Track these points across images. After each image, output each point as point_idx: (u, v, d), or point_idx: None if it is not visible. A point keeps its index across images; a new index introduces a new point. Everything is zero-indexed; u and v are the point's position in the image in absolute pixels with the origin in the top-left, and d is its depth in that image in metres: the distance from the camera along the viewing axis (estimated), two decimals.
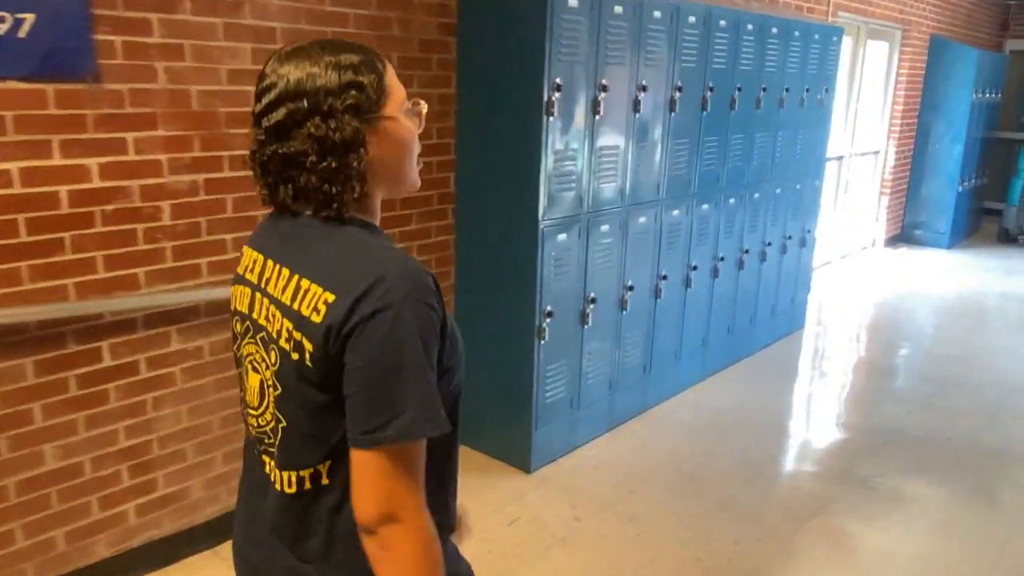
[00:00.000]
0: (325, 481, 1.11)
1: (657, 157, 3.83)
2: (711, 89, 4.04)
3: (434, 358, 1.06)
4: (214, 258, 2.68)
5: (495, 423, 3.58)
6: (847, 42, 7.15)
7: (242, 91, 2.65)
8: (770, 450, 3.84)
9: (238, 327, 1.19)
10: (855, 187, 7.87)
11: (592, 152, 3.42)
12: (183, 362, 2.67)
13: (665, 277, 4.05)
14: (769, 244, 4.95)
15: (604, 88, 3.36)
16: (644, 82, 3.59)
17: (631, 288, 3.82)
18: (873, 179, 8.18)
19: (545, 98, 3.11)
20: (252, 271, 1.17)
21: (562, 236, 3.38)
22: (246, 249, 1.21)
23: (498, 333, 3.47)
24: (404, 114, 1.14)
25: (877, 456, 3.80)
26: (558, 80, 3.13)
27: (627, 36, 3.45)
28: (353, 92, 1.06)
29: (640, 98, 3.59)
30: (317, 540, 1.13)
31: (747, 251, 4.73)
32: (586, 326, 3.61)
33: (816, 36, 4.91)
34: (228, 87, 2.62)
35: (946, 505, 3.40)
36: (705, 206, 4.28)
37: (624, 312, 3.83)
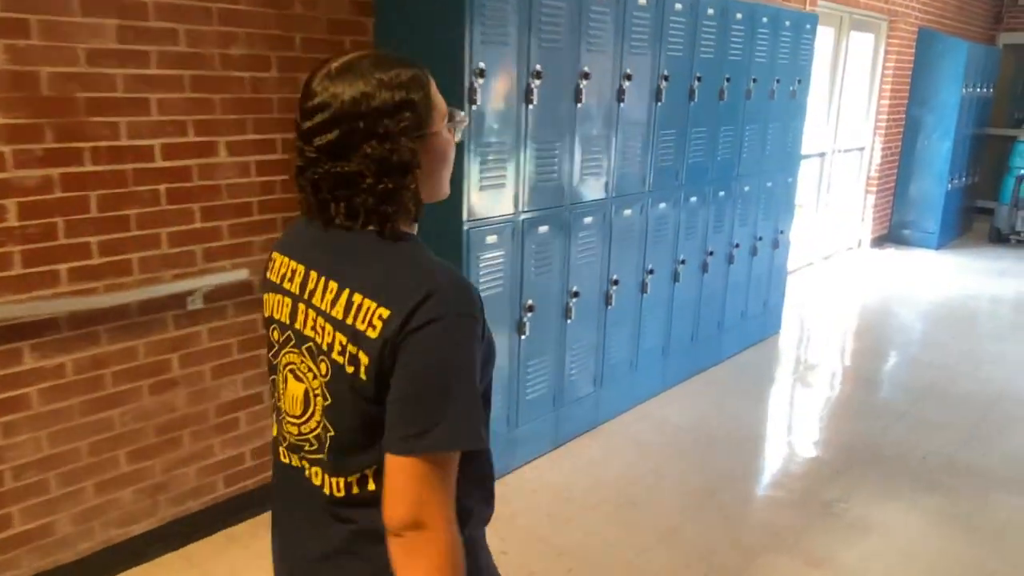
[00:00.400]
0: (372, 487, 1.12)
1: (605, 152, 3.51)
2: (666, 78, 3.72)
3: (479, 369, 1.08)
4: (76, 264, 2.36)
5: None
6: (828, 33, 6.83)
7: (105, 74, 2.33)
8: (728, 471, 3.52)
9: (275, 335, 1.19)
10: (839, 185, 7.55)
11: (526, 146, 3.10)
12: (40, 382, 2.35)
13: (616, 282, 3.73)
14: (737, 246, 4.63)
15: (538, 75, 3.05)
16: (587, 69, 3.27)
17: (576, 294, 3.50)
18: (859, 177, 7.86)
19: (466, 85, 2.80)
20: (291, 281, 1.16)
21: (492, 238, 3.06)
22: (278, 256, 1.20)
23: None
24: (445, 126, 1.16)
25: (845, 477, 3.49)
26: (481, 65, 2.81)
27: (565, 19, 3.13)
28: (407, 113, 1.07)
29: (583, 87, 3.27)
30: (367, 542, 1.12)
31: (711, 253, 4.41)
32: (523, 336, 3.29)
33: (787, 23, 4.60)
34: (88, 69, 2.29)
35: (916, 533, 3.09)
36: (662, 205, 3.96)
37: (569, 321, 3.51)
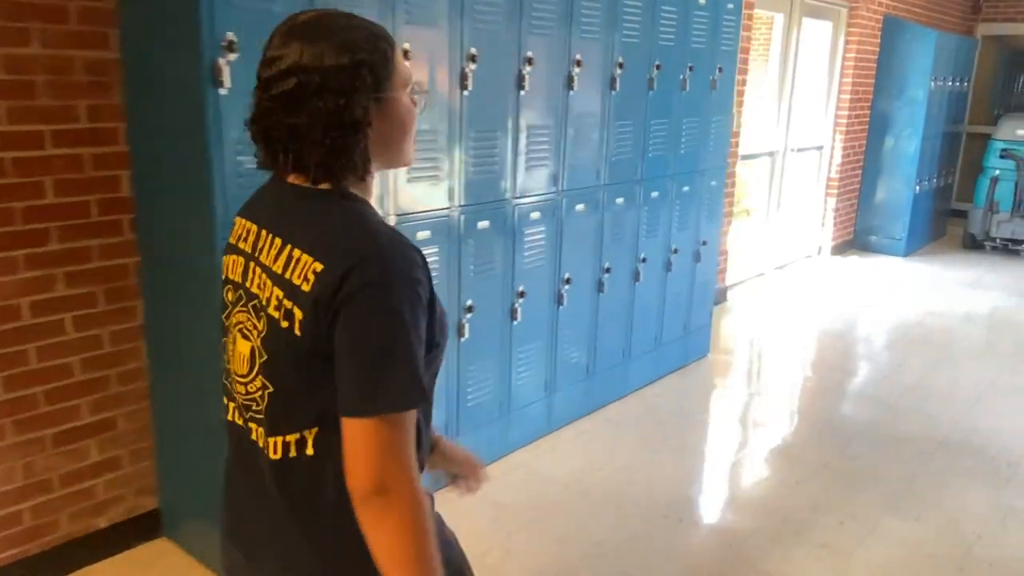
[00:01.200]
0: (310, 451, 1.13)
1: (445, 152, 2.85)
2: (529, 61, 3.06)
3: (422, 332, 1.09)
4: None
5: (197, 518, 2.61)
6: (778, 20, 6.18)
7: None
8: (595, 544, 2.86)
9: (230, 295, 1.21)
10: (796, 187, 6.90)
11: None
12: None
13: (471, 309, 3.07)
14: (644, 260, 3.97)
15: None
16: (408, 46, 2.61)
17: None
18: (818, 178, 7.21)
19: (208, 62, 2.14)
20: (245, 240, 1.18)
21: None
22: (238, 219, 1.23)
23: (204, 392, 2.47)
24: (407, 94, 1.17)
25: (737, 553, 2.83)
26: (230, 36, 2.15)
27: None
28: (363, 72, 1.08)
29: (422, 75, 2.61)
30: (305, 510, 1.15)
31: (608, 270, 3.75)
32: None
33: (701, 1, 3.93)
34: None
35: None
36: (535, 215, 3.30)
37: None
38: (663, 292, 4.20)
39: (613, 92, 3.53)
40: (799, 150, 6.76)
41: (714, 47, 4.11)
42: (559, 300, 3.51)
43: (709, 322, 4.71)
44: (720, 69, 4.19)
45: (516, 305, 3.28)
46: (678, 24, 3.81)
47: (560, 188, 3.39)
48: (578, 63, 3.28)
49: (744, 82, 5.46)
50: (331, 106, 1.06)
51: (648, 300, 4.09)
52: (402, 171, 2.73)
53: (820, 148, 7.07)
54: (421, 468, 1.20)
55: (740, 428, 3.92)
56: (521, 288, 3.29)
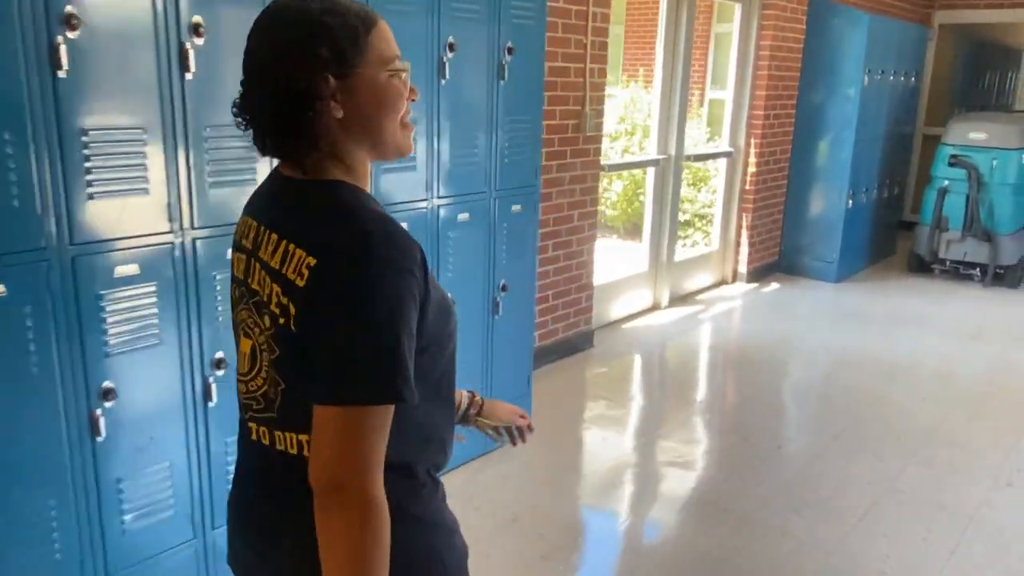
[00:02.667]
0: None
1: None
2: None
3: (412, 326, 1.04)
4: None
5: None
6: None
7: None
8: None
9: (235, 294, 1.19)
10: (699, 201, 5.73)
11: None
12: None
13: None
14: None
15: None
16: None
17: None
18: (731, 191, 6.04)
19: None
20: (247, 238, 1.17)
21: None
22: (243, 217, 1.20)
23: None
24: (385, 72, 1.10)
25: None
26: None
27: None
28: (318, 45, 1.04)
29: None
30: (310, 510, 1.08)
31: None
32: None
33: None
34: None
35: None
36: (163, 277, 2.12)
37: None
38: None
39: None
40: (696, 157, 5.59)
41: (493, 22, 2.93)
42: (207, 395, 2.33)
43: (528, 390, 3.54)
44: (510, 51, 3.01)
45: (99, 418, 2.10)
46: None
47: (189, 223, 2.21)
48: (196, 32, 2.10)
49: (603, 72, 4.29)
50: (280, 78, 1.03)
51: None
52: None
53: (730, 155, 5.89)
54: (438, 469, 1.20)
55: (508, 563, 2.74)
56: (108, 386, 2.11)
